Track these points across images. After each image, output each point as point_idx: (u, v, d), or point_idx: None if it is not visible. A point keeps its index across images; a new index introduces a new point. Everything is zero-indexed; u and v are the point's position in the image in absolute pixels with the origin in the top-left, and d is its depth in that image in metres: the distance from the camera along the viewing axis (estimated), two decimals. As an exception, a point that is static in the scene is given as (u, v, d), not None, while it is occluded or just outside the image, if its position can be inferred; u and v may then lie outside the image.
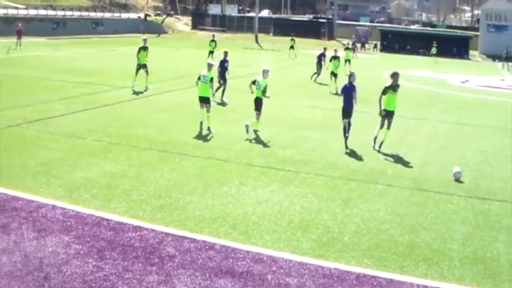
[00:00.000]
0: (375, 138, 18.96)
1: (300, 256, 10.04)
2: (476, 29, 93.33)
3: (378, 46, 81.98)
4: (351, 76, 18.86)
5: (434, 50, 67.27)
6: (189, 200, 12.55)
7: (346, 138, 18.63)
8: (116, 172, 14.40)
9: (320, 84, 35.86)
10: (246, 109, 22.41)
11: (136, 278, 8.83)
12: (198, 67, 24.38)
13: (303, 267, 9.64)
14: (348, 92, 18.64)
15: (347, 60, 43.71)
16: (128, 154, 16.23)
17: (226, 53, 27.13)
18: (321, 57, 37.95)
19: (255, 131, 19.68)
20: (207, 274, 9.11)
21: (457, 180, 15.55)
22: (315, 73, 37.69)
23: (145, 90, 28.38)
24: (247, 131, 19.27)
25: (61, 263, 9.13)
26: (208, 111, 19.91)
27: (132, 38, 71.55)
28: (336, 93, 30.07)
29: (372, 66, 45.22)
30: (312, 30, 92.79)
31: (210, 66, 20.30)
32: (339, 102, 19.26)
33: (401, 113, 24.82)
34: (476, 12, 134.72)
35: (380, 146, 18.71)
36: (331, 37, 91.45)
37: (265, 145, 18.35)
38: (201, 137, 18.96)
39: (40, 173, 13.96)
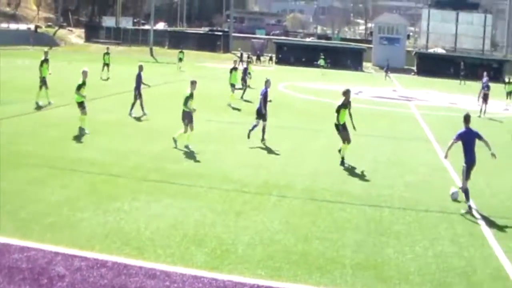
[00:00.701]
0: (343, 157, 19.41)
1: (194, 270, 10.03)
2: (370, 42, 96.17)
3: (274, 58, 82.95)
4: (267, 82, 22.08)
5: (321, 62, 68.45)
6: (81, 217, 12.30)
7: (249, 132, 21.47)
8: (2, 190, 13.82)
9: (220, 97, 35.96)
10: (138, 124, 22.26)
11: (24, 299, 8.59)
12: (91, 81, 23.99)
13: (197, 280, 9.64)
14: (264, 96, 21.69)
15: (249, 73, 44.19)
16: (16, 171, 15.72)
17: (141, 67, 26.85)
18: (245, 71, 38.04)
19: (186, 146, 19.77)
20: (99, 292, 8.96)
21: (455, 200, 15.64)
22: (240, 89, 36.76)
23: (48, 104, 27.71)
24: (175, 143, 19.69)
25: None
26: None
27: (21, 50, 69.36)
28: (233, 107, 30.40)
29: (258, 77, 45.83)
30: (208, 43, 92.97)
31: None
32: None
33: (295, 124, 25.32)
34: (369, 25, 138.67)
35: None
36: (226, 49, 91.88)
37: (158, 159, 18.23)
38: (94, 152, 18.61)
39: None
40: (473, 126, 15.57)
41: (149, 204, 13.51)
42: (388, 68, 66.82)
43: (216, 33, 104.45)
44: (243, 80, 36.94)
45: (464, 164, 15.13)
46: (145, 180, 15.67)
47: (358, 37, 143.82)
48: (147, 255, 10.54)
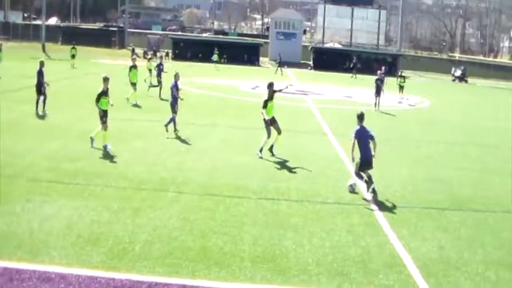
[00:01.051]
0: (262, 148, 19.72)
1: (90, 270, 9.82)
2: (266, 37, 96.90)
3: (170, 54, 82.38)
4: (176, 75, 23.00)
5: (215, 57, 68.44)
6: (-32, 222, 11.81)
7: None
8: None
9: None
10: (32, 122, 21.66)
11: None
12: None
13: (93, 281, 9.44)
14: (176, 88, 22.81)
15: (150, 70, 43.83)
16: None
17: (42, 63, 26.29)
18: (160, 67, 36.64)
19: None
20: (-11, 299, 8.64)
21: (352, 191, 15.83)
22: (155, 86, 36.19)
23: None
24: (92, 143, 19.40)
25: None
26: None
27: None
28: (136, 104, 29.96)
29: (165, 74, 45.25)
30: (103, 39, 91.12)
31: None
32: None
33: (190, 120, 25.20)
34: (266, 20, 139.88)
35: (272, 150, 19.94)
36: (122, 46, 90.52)
37: (53, 158, 17.72)
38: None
39: None
40: (369, 119, 15.97)
41: (42, 205, 13.10)
42: (281, 62, 67.59)
43: (111, 28, 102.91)
44: (159, 76, 35.67)
45: (359, 160, 15.49)
46: (39, 181, 15.19)
47: (255, 32, 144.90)
48: (41, 258, 10.24)
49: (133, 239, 11.40)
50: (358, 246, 11.85)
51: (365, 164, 15.46)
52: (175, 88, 22.79)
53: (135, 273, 9.86)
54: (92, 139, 19.50)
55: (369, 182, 15.45)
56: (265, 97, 20.15)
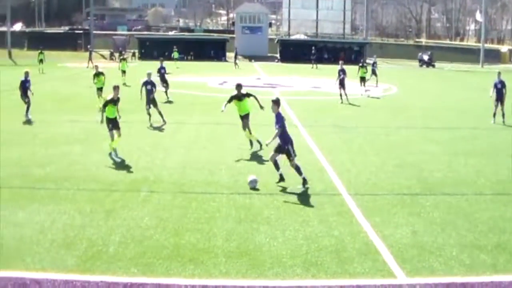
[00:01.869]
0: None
1: (65, 274, 9.77)
2: (233, 32, 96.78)
3: (137, 54, 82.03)
4: (149, 74, 25.41)
5: (175, 55, 68.20)
6: None
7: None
8: None
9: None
10: None
11: None
12: None
13: (68, 285, 9.37)
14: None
15: (123, 71, 43.81)
16: None
17: (27, 73, 26.73)
18: None
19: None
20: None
21: (253, 188, 15.56)
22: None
23: None
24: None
25: None
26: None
27: None
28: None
29: (130, 74, 45.00)
30: (69, 42, 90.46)
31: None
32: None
33: (158, 118, 25.10)
34: (231, 15, 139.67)
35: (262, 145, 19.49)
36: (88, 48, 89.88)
37: (22, 165, 17.59)
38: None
39: None
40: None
41: (14, 212, 13.00)
42: (236, 55, 68.10)
43: (77, 31, 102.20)
44: (162, 81, 35.24)
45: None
46: (9, 187, 15.06)
47: (221, 28, 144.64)
48: (15, 264, 10.17)
49: (106, 241, 11.39)
50: (331, 236, 11.92)
51: (282, 147, 15.71)
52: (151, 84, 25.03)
53: (110, 274, 9.83)
54: (113, 152, 18.57)
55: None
56: (233, 93, 20.53)
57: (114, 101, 18.81)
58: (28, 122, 24.87)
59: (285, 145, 15.52)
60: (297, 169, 15.48)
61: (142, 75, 27.23)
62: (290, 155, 15.56)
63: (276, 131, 15.51)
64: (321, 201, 14.44)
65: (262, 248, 11.22)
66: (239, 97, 20.43)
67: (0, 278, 9.57)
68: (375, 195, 15.08)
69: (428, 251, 11.24)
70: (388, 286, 9.70)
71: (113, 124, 18.73)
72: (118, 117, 19.08)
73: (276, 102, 15.83)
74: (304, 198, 14.68)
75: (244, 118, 20.49)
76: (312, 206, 14.00)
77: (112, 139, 18.71)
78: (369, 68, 43.13)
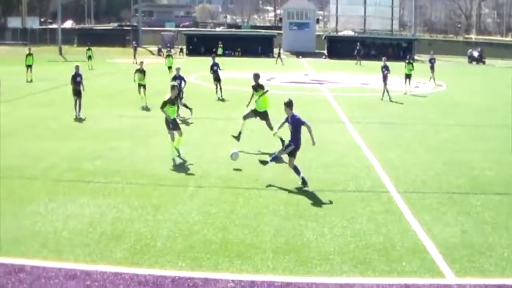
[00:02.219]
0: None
1: (114, 267, 9.91)
2: (280, 28, 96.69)
3: (184, 50, 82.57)
4: (178, 69, 26.47)
5: (220, 51, 68.31)
6: (-5, 224, 11.93)
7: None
8: None
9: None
10: (49, 124, 21.79)
11: None
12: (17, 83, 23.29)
13: (117, 277, 9.53)
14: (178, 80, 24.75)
15: (169, 67, 44.14)
16: None
17: (77, 67, 26.58)
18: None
19: None
20: (17, 298, 8.75)
21: (234, 159, 16.35)
22: None
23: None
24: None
25: None
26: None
27: None
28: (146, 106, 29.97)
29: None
30: (117, 39, 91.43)
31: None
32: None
33: (207, 114, 25.26)
34: (278, 11, 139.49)
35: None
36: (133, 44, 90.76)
37: (73, 159, 17.85)
38: (7, 156, 17.85)
39: None
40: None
41: (65, 205, 13.22)
42: (280, 52, 68.36)
43: (125, 28, 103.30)
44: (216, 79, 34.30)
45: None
46: (61, 181, 15.32)
47: (268, 24, 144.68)
48: (66, 256, 10.35)
49: (154, 234, 11.49)
50: (379, 234, 11.81)
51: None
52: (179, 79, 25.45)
53: (158, 268, 9.93)
54: (175, 153, 18.13)
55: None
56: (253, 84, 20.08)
57: (172, 101, 18.25)
58: (79, 119, 25.08)
59: (297, 148, 15.39)
60: (295, 169, 15.35)
61: (189, 71, 27.35)
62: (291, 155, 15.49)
63: (308, 126, 15.38)
64: (369, 198, 14.32)
65: (310, 245, 11.17)
66: (255, 88, 19.90)
67: (51, 268, 9.78)
68: (424, 193, 14.88)
69: (478, 251, 11.01)
70: (437, 286, 9.63)
71: (173, 124, 18.11)
72: (177, 116, 18.88)
73: (289, 105, 15.46)
74: (351, 195, 14.60)
75: (263, 116, 19.90)
76: (360, 203, 13.88)
77: (173, 139, 18.02)
78: (415, 65, 42.16)
